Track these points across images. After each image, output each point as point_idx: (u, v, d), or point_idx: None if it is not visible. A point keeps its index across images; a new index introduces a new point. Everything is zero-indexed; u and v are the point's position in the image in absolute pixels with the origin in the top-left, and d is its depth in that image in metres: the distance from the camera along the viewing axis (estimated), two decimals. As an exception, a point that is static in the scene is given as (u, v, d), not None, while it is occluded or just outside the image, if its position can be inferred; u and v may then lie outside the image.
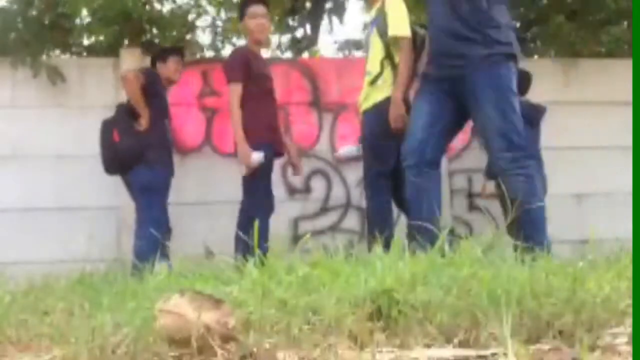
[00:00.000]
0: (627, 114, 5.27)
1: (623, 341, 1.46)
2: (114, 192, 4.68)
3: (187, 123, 5.03)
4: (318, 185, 5.00)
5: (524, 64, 3.80)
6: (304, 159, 4.81)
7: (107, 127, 4.25)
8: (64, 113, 4.79)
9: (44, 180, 4.68)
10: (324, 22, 7.03)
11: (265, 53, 6.11)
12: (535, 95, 4.75)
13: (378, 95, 3.75)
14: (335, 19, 6.94)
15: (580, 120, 5.41)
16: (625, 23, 5.94)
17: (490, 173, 4.47)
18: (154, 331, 1.47)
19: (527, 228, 2.90)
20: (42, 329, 1.75)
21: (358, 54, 7.44)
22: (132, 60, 4.89)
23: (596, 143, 5.44)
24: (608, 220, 4.88)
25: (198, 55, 5.67)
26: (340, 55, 7.49)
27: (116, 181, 4.70)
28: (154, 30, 5.46)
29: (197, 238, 4.55)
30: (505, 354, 1.32)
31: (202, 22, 5.89)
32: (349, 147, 4.17)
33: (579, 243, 4.52)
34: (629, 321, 1.56)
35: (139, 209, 4.17)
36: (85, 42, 5.58)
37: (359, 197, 5.12)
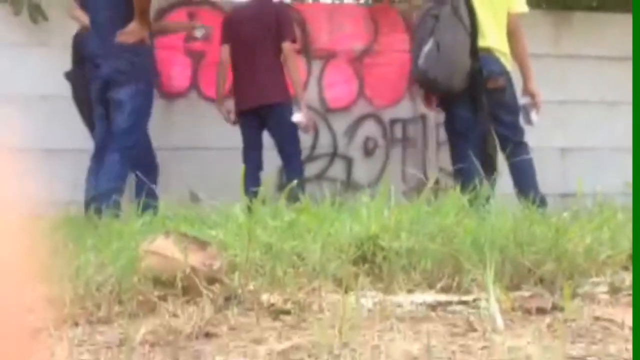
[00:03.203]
0: (616, 69, 5.26)
1: (603, 290, 1.49)
2: (98, 135, 4.63)
3: (173, 67, 4.94)
4: (303, 135, 4.97)
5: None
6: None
7: (82, 82, 4.06)
8: (47, 52, 4.68)
9: (27, 121, 4.61)
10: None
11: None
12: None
13: None
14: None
15: (569, 75, 5.39)
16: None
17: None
18: (138, 271, 1.48)
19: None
20: (26, 267, 1.74)
21: (348, 0, 7.31)
22: None
23: (583, 97, 5.44)
24: (591, 175, 4.91)
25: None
26: (330, 0, 7.35)
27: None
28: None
29: (182, 183, 4.53)
30: (487, 300, 1.34)
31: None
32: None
33: (561, 196, 4.57)
34: (609, 271, 1.59)
35: None
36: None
37: (345, 146, 5.11)
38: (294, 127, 4.19)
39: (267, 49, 4.12)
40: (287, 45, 4.14)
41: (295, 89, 4.18)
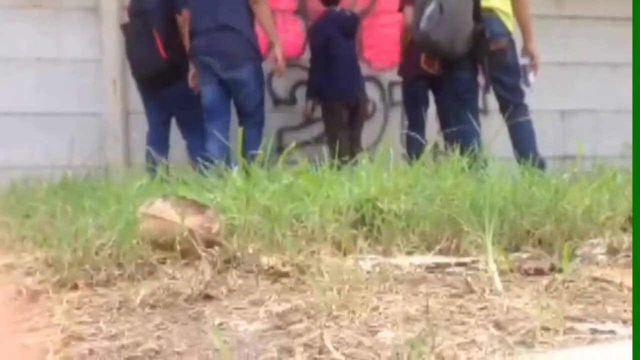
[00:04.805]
0: (618, 30, 5.19)
1: (601, 251, 1.49)
2: (96, 99, 4.59)
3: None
4: (303, 96, 4.92)
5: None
6: (289, 69, 4.71)
7: (148, 38, 3.86)
8: (41, 14, 4.62)
9: (24, 85, 4.56)
10: None
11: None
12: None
13: None
14: None
15: (569, 36, 5.32)
16: None
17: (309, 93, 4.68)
18: (137, 234, 1.47)
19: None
20: (25, 231, 1.74)
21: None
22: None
23: (585, 59, 5.38)
24: (591, 137, 4.90)
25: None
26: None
27: (98, 87, 4.60)
28: None
29: (181, 148, 4.51)
30: (485, 261, 1.34)
31: None
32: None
33: (561, 159, 4.56)
34: (607, 232, 1.59)
35: (187, 123, 4.12)
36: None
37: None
38: None
39: None
40: None
41: None
